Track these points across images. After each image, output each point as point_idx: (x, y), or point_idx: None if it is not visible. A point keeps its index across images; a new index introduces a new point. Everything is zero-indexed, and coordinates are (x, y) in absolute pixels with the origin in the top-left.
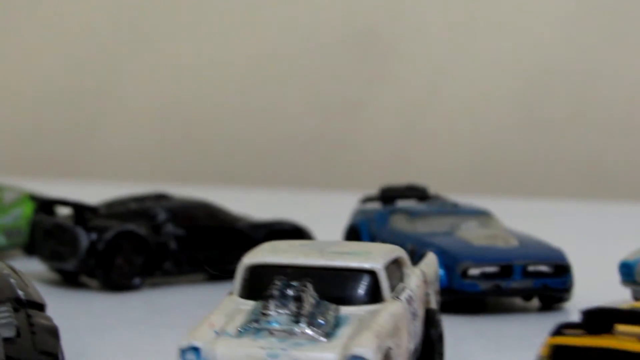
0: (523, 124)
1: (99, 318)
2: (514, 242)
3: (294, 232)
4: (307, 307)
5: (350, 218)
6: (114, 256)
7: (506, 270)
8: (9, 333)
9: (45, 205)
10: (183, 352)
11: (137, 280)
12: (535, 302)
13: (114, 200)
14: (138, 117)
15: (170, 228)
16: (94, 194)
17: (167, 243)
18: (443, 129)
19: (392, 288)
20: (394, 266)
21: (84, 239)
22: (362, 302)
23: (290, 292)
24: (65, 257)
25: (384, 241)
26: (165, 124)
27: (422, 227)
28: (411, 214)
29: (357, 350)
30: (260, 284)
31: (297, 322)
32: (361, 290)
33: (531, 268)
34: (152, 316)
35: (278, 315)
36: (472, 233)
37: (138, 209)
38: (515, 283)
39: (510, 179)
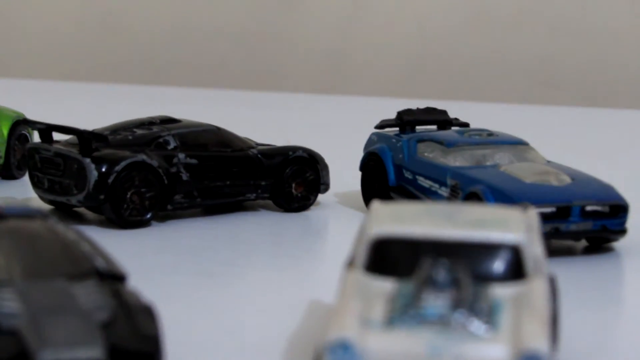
0: (469, 25)
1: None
2: (566, 180)
3: (309, 159)
4: (465, 291)
5: (367, 144)
6: (125, 190)
7: (563, 211)
8: (104, 316)
9: (42, 132)
10: (333, 349)
11: (148, 215)
12: (582, 243)
13: (116, 126)
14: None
15: (181, 157)
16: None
17: (178, 173)
18: (383, 28)
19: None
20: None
21: (93, 171)
22: (505, 279)
23: (445, 274)
24: (69, 190)
25: (415, 173)
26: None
27: (461, 160)
28: (447, 144)
29: (532, 346)
30: (389, 258)
31: (456, 309)
32: (506, 266)
33: (589, 208)
34: (172, 257)
35: (435, 302)
36: (520, 168)
37: (146, 136)
38: (574, 225)
39: (453, 82)
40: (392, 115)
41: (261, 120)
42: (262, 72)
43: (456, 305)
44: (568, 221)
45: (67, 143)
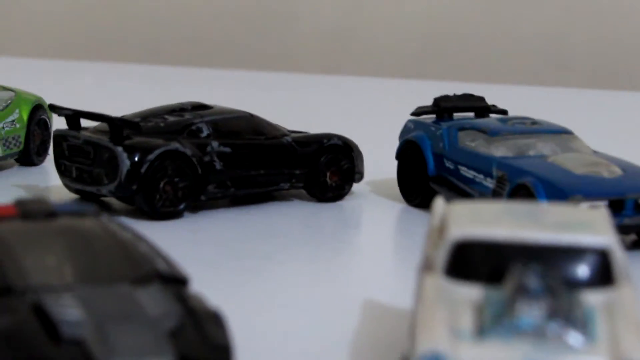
0: (479, 3)
1: None
2: (617, 171)
3: (344, 147)
4: (561, 300)
5: (404, 131)
6: (158, 179)
7: (617, 205)
8: (171, 324)
9: (69, 118)
10: None
11: (182, 206)
12: (630, 237)
13: (146, 112)
14: None
15: (215, 145)
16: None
17: (212, 162)
18: (392, 7)
19: None
20: None
21: (125, 160)
22: (594, 285)
23: (538, 281)
24: (99, 180)
25: (458, 162)
26: None
27: (505, 149)
28: (490, 133)
29: (634, 358)
30: (471, 262)
31: (551, 319)
32: (595, 270)
33: None
34: (207, 250)
35: (529, 312)
36: (569, 159)
37: (178, 123)
38: (627, 219)
39: (463, 63)
40: (406, 97)
41: (268, 101)
42: (267, 52)
43: (551, 314)
44: (621, 215)
45: (96, 130)
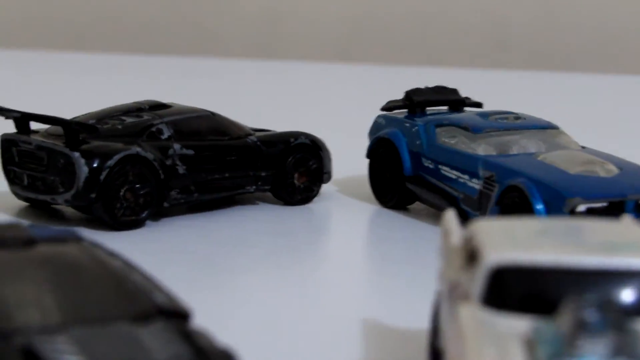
0: None
1: None
2: (614, 169)
3: (312, 146)
4: (625, 335)
5: (374, 128)
6: (118, 186)
7: (616, 206)
8: None
9: (18, 121)
10: None
11: (144, 215)
12: None
13: (101, 113)
14: None
15: (177, 148)
16: None
17: (174, 166)
18: None
19: None
20: None
21: (83, 166)
22: None
23: (599, 313)
24: (54, 188)
25: (438, 162)
26: None
27: (490, 147)
28: (472, 130)
29: None
30: (513, 290)
31: (616, 357)
32: None
33: None
34: (176, 261)
35: (593, 350)
36: (561, 157)
37: (137, 125)
38: None
39: (398, 45)
40: (336, 82)
41: (193, 88)
42: (191, 36)
43: (617, 351)
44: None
45: (47, 134)
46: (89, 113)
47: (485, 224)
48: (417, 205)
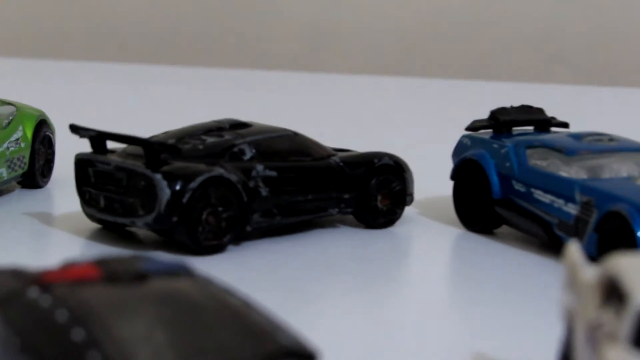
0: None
1: None
2: None
3: (395, 167)
4: None
5: (459, 148)
6: (201, 209)
7: None
8: None
9: (94, 140)
10: None
11: (226, 239)
12: None
13: (180, 132)
14: None
15: (259, 169)
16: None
17: (257, 188)
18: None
19: None
20: None
21: (165, 188)
22: None
23: None
24: (133, 211)
25: (529, 185)
26: None
27: (585, 170)
28: (566, 152)
29: None
30: None
31: None
32: None
33: None
34: (260, 287)
35: None
36: None
37: (219, 145)
38: None
39: (449, 59)
40: (392, 96)
41: (242, 101)
42: (238, 48)
43: None
44: None
45: (125, 154)
46: (167, 132)
47: (627, 260)
48: (503, 229)
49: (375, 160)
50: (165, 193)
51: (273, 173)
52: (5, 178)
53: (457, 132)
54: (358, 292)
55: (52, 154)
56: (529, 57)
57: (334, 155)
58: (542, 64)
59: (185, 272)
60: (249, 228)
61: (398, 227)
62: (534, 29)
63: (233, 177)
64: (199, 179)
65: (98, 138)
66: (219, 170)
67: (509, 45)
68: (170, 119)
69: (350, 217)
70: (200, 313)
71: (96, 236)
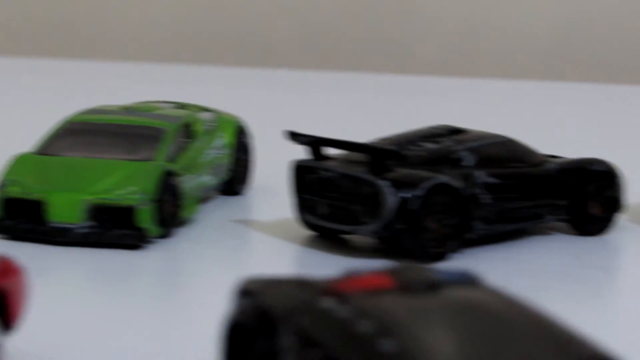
0: None
1: None
2: None
3: (609, 173)
4: None
5: None
6: (426, 216)
7: None
8: None
9: (312, 146)
10: None
11: (451, 246)
12: None
13: (398, 138)
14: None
15: (481, 176)
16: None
17: (478, 195)
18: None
19: None
20: None
21: (391, 196)
22: None
23: None
24: (356, 219)
25: None
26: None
27: None
28: None
29: None
30: None
31: None
32: None
33: None
34: None
35: None
36: None
37: (439, 151)
38: None
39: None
40: (556, 102)
41: (394, 106)
42: (384, 52)
43: None
44: None
45: (345, 160)
46: (383, 138)
47: None
48: None
49: (589, 166)
50: (391, 200)
51: (494, 180)
52: (210, 185)
53: None
54: (593, 299)
55: (251, 161)
56: None
57: (547, 161)
58: None
59: (473, 281)
60: (470, 235)
61: (611, 235)
62: None
63: (457, 184)
64: (425, 186)
65: (315, 144)
66: (443, 178)
67: None
68: (336, 126)
69: (560, 224)
70: (501, 323)
71: (308, 243)
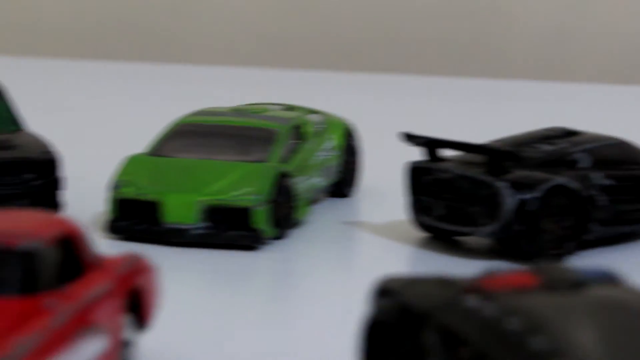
0: None
1: None
2: None
3: None
4: None
5: None
6: (544, 218)
7: None
8: None
9: (428, 147)
10: None
11: (568, 248)
12: None
13: (511, 140)
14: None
15: (597, 177)
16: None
17: (594, 197)
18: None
19: None
20: None
21: (510, 197)
22: None
23: None
24: (474, 220)
25: None
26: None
27: None
28: None
29: None
30: None
31: None
32: None
33: None
34: None
35: None
36: None
37: (555, 153)
38: None
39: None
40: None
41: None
42: (472, 55)
43: None
44: None
45: (462, 162)
46: (499, 140)
47: None
48: None
49: None
50: (510, 202)
51: (610, 181)
52: (320, 187)
53: None
54: None
55: (359, 163)
56: None
57: None
58: None
59: (614, 280)
60: (587, 237)
61: None
62: None
63: (575, 186)
64: (544, 187)
65: (431, 145)
66: (561, 179)
67: None
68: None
69: None
70: None
71: (421, 244)
